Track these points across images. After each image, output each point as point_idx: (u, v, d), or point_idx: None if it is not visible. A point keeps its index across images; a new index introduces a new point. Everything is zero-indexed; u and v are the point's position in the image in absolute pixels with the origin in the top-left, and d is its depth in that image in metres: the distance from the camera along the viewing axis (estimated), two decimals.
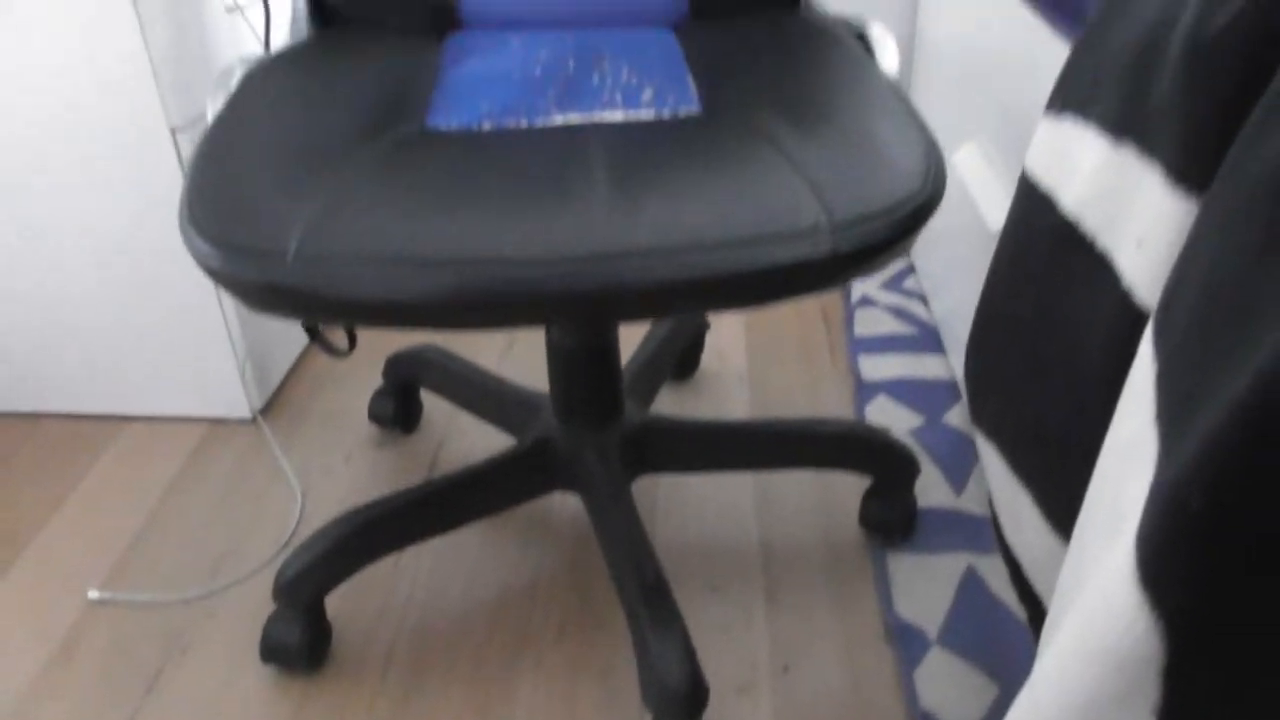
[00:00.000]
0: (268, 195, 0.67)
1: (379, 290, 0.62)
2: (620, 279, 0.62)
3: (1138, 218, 0.54)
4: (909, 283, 1.58)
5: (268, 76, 0.84)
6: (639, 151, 0.74)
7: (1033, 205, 0.64)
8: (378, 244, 0.63)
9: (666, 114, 0.82)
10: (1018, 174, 1.08)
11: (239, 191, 0.68)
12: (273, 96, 0.81)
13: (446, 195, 0.68)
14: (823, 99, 0.79)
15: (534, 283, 0.62)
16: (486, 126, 0.81)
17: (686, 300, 0.64)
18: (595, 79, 0.90)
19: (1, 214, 1.20)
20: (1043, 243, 0.63)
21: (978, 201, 1.16)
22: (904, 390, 1.34)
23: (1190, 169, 0.51)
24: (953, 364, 1.37)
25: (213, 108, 0.80)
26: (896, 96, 0.78)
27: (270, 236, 0.63)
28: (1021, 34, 1.03)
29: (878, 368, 1.39)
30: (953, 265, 1.34)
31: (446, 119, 0.82)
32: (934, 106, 1.48)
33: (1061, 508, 0.63)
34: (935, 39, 1.47)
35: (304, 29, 1.01)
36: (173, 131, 1.13)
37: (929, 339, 1.44)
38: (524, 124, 0.81)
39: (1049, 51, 0.95)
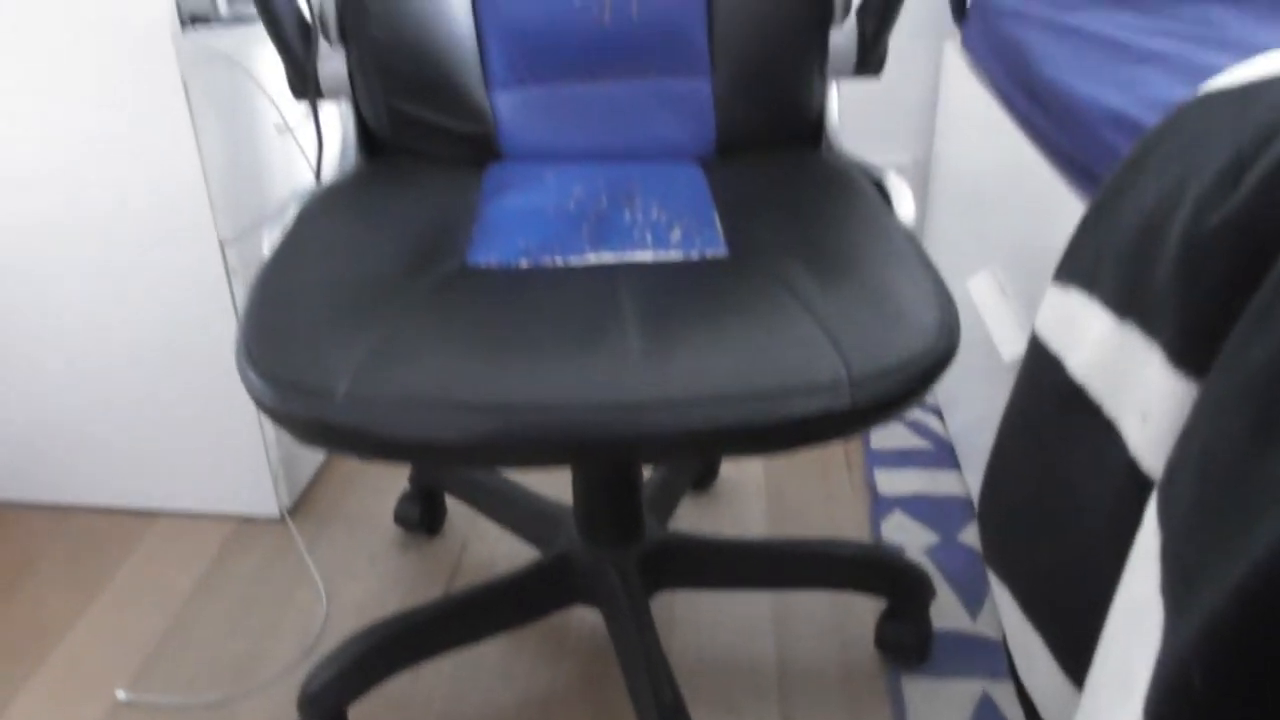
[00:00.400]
0: (319, 336, 0.71)
1: (421, 433, 0.65)
2: (649, 429, 0.65)
3: (1142, 392, 0.57)
4: (925, 397, 1.61)
5: (320, 214, 0.89)
6: (667, 296, 0.78)
7: (1042, 365, 0.68)
8: (420, 387, 0.67)
9: (694, 256, 0.86)
10: (1028, 304, 1.12)
11: (292, 331, 0.72)
12: (324, 234, 0.86)
13: (486, 338, 0.72)
14: (843, 249, 0.83)
15: (567, 430, 0.65)
16: (524, 264, 0.85)
17: (710, 448, 0.67)
18: (626, 216, 0.94)
19: (43, 307, 1.25)
20: (1051, 402, 0.66)
21: (990, 328, 1.20)
22: (920, 507, 1.37)
23: (1190, 353, 0.54)
24: (967, 480, 1.39)
25: (269, 242, 0.85)
26: (913, 248, 0.82)
27: (321, 377, 0.67)
28: (1031, 172, 1.08)
29: (894, 482, 1.42)
30: (967, 383, 1.37)
31: (486, 256, 0.86)
32: (949, 233, 1.53)
33: (1073, 655, 0.65)
34: (950, 168, 1.52)
35: (352, 158, 1.06)
36: (221, 244, 1.19)
37: (944, 454, 1.47)
38: (559, 262, 0.86)
39: (1056, 193, 0.99)
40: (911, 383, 0.69)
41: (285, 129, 1.30)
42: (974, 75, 1.36)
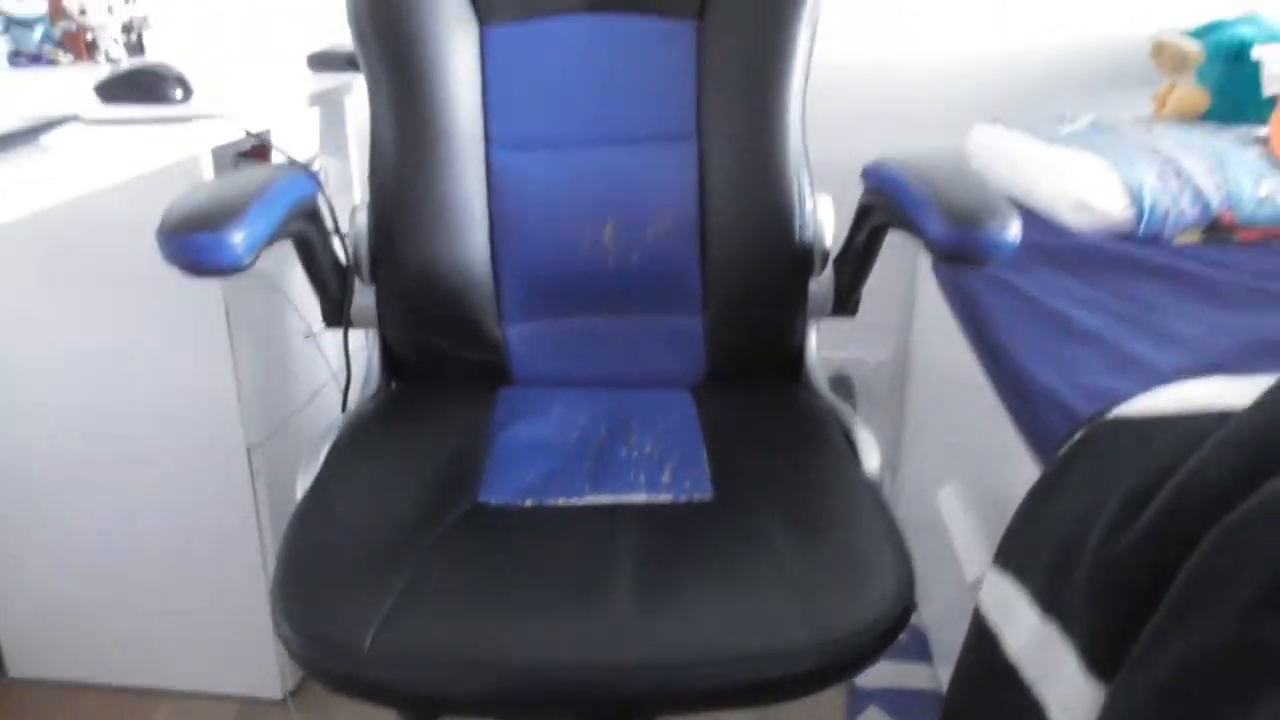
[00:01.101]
0: (345, 590, 0.81)
1: (436, 689, 0.75)
2: (638, 688, 0.74)
3: (1061, 687, 0.66)
4: None
5: (347, 455, 1.00)
6: (658, 549, 0.87)
7: (983, 639, 0.77)
8: (435, 645, 0.76)
9: (683, 499, 0.96)
10: (990, 525, 1.21)
11: (321, 584, 0.82)
12: (350, 477, 0.96)
13: (494, 592, 0.82)
14: (816, 505, 0.93)
15: (566, 688, 0.75)
16: (529, 504, 0.95)
17: (693, 705, 0.76)
18: (623, 452, 1.05)
19: (72, 494, 1.33)
20: (991, 673, 0.75)
21: (955, 542, 1.29)
22: (893, 701, 1.44)
23: (1100, 660, 0.64)
24: (939, 674, 1.46)
25: (301, 485, 0.95)
26: (877, 505, 0.92)
27: (347, 633, 0.76)
28: (989, 410, 1.18)
29: (869, 677, 1.49)
30: (937, 583, 1.45)
31: (497, 494, 0.96)
32: (924, 433, 1.63)
33: None
34: (924, 370, 1.64)
35: (376, 382, 1.17)
36: (248, 449, 1.29)
37: (918, 647, 1.54)
38: (562, 502, 0.96)
39: (1009, 437, 1.08)
40: (872, 645, 0.78)
41: (310, 335, 1.42)
42: (942, 298, 1.48)
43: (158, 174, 0.93)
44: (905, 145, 1.67)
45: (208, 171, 1.04)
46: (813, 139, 1.19)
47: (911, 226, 0.93)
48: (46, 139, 0.85)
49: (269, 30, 1.69)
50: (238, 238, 0.81)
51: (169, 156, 0.93)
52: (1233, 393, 0.71)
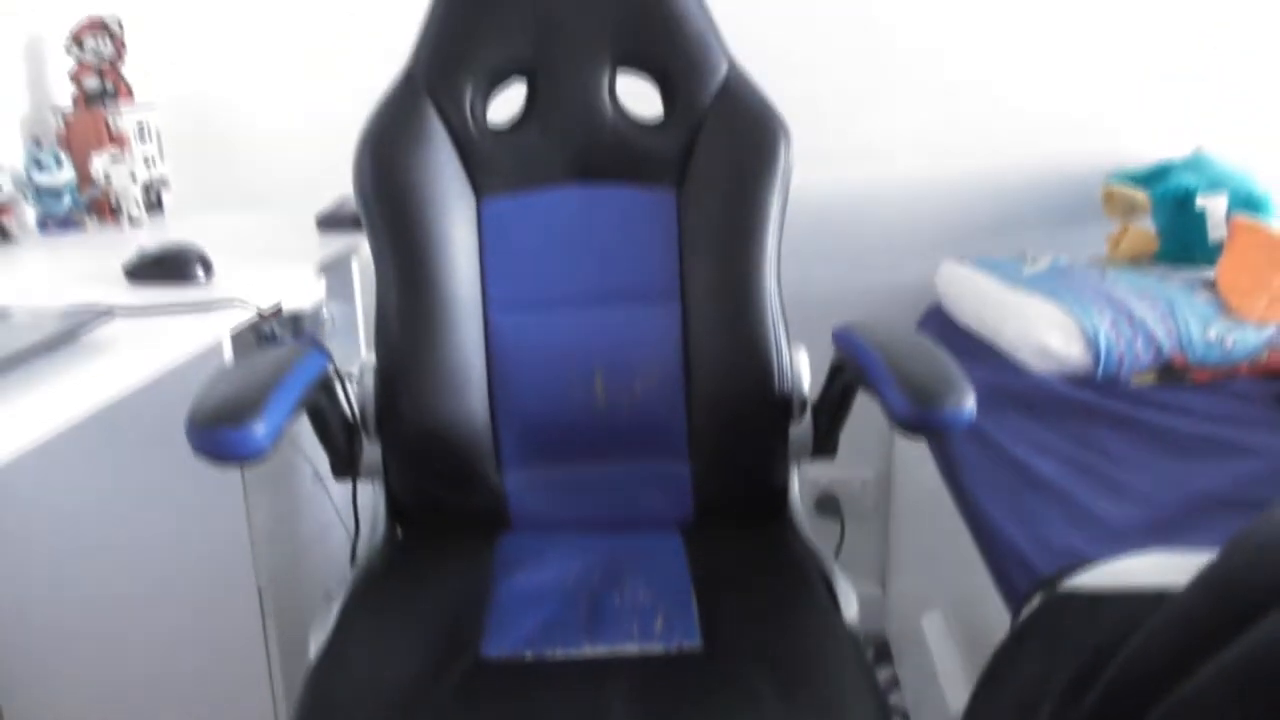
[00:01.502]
0: None
1: None
2: None
3: None
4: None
5: (356, 615, 1.06)
6: (650, 702, 0.94)
7: None
8: None
9: (674, 649, 1.02)
10: (972, 656, 1.27)
11: None
12: (360, 635, 1.03)
13: None
14: (799, 656, 0.99)
15: None
16: (529, 656, 1.01)
17: None
18: (617, 599, 1.11)
19: (80, 629, 1.38)
20: None
21: (939, 671, 1.35)
22: None
23: None
24: None
25: (314, 644, 1.01)
26: (856, 656, 0.99)
27: None
28: (966, 545, 1.25)
29: None
30: (924, 706, 1.51)
31: (498, 647, 1.02)
32: (909, 556, 1.70)
33: None
34: (908, 492, 1.71)
35: (382, 532, 1.24)
36: (259, 590, 1.35)
37: None
38: (560, 654, 1.02)
39: (981, 574, 1.15)
40: None
41: (318, 478, 1.49)
42: None
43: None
44: (876, 277, 1.78)
45: (228, 353, 1.13)
46: (790, 267, 1.28)
47: (876, 395, 1.01)
48: (87, 336, 0.94)
49: (278, 189, 1.80)
50: (260, 430, 0.89)
51: (195, 343, 1.01)
52: (1170, 570, 0.78)
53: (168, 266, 1.16)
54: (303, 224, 1.54)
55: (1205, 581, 0.72)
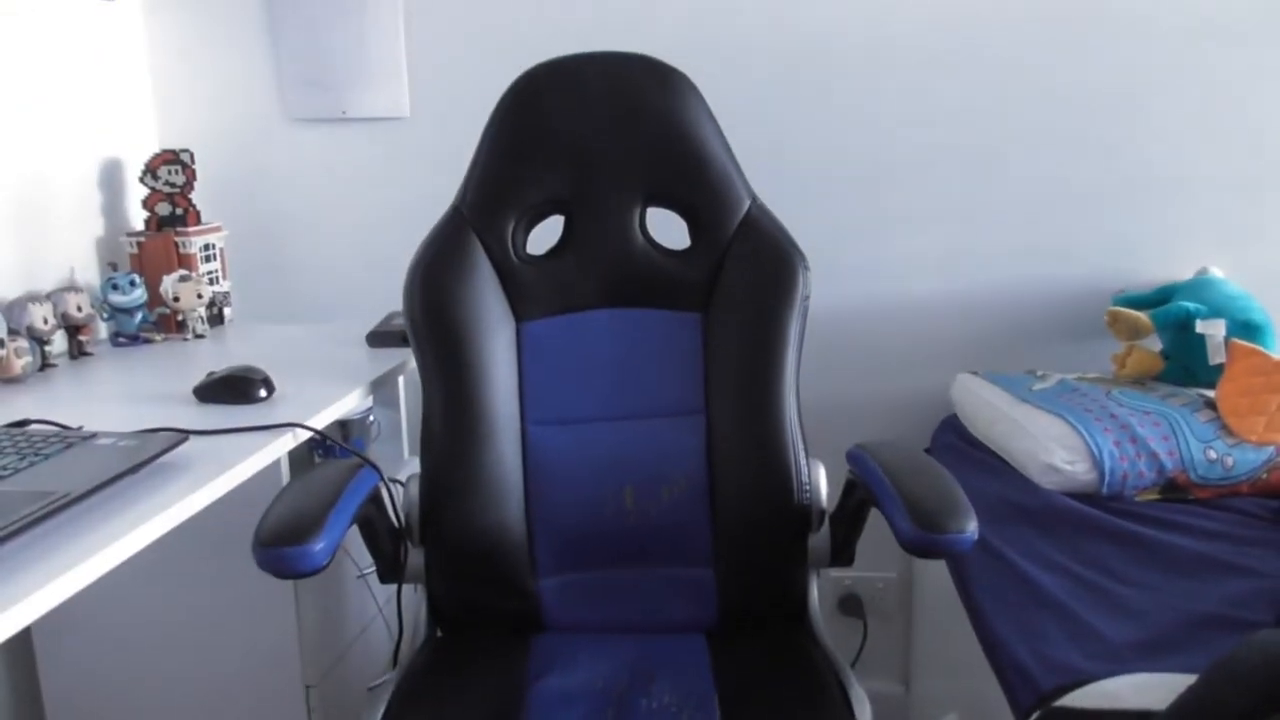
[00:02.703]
0: None
1: None
2: None
3: None
4: None
5: (399, 713, 1.13)
6: None
7: None
8: None
9: None
10: None
11: None
12: None
13: None
14: None
15: None
16: None
17: None
18: (644, 702, 1.17)
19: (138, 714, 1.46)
20: None
21: None
22: None
23: None
24: None
25: None
26: None
27: None
28: (978, 660, 1.30)
29: None
30: None
31: None
32: (929, 661, 1.74)
33: None
34: (930, 593, 1.76)
35: (423, 634, 1.32)
36: (306, 688, 1.42)
37: None
38: None
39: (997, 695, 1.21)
40: None
41: (360, 575, 1.57)
42: None
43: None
44: (894, 388, 1.86)
45: (285, 473, 1.23)
46: (811, 379, 1.35)
47: (885, 515, 1.08)
48: (167, 458, 1.04)
49: (331, 303, 1.92)
50: (319, 548, 0.98)
51: (258, 463, 1.11)
52: (1159, 691, 0.85)
53: (234, 388, 1.26)
54: (353, 337, 1.65)
55: (1183, 705, 0.78)
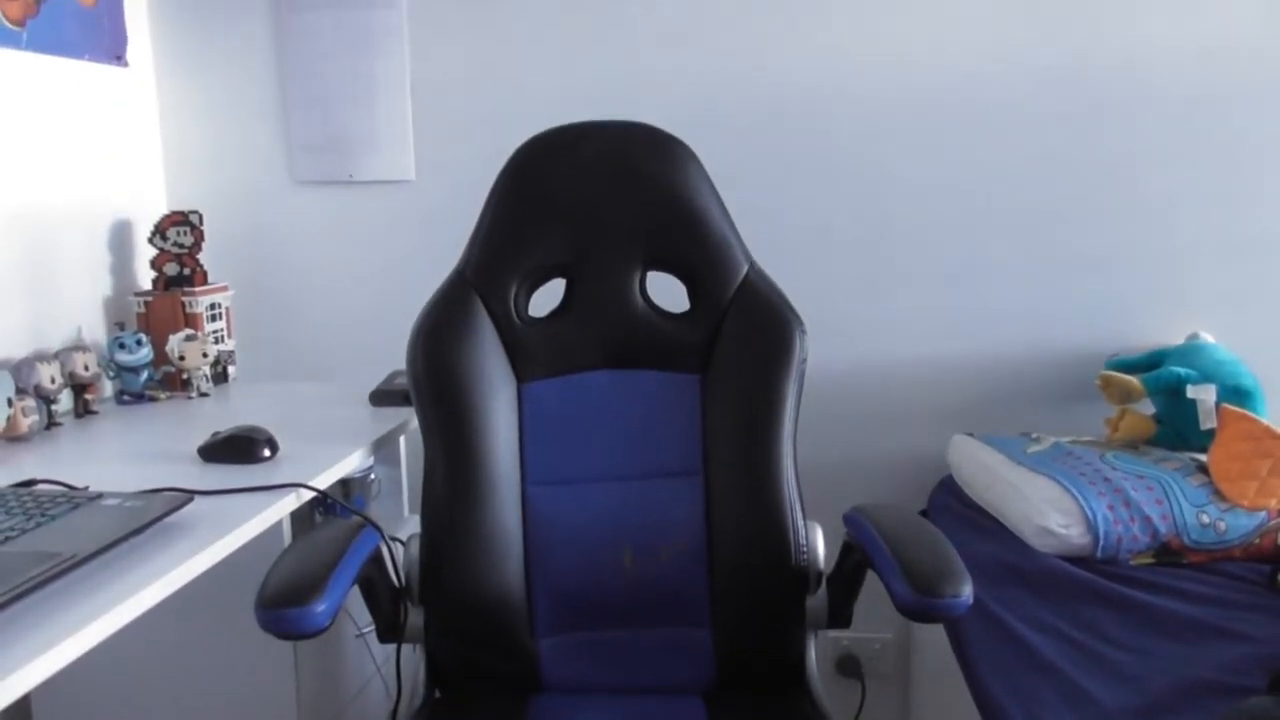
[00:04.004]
0: None
1: None
2: None
3: None
4: None
5: None
6: None
7: None
8: None
9: None
10: None
11: None
12: None
13: None
14: None
15: None
16: None
17: None
18: None
19: None
20: None
21: None
22: None
23: None
24: None
25: None
26: None
27: None
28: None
29: None
30: None
31: None
32: (928, 713, 1.74)
33: None
34: (927, 650, 1.76)
35: (421, 694, 1.32)
36: None
37: None
38: None
39: None
40: None
41: (360, 634, 1.57)
42: None
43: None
44: (891, 448, 1.87)
45: (288, 534, 1.24)
46: (808, 440, 1.37)
47: (881, 579, 1.09)
48: (171, 518, 1.05)
49: (334, 362, 1.94)
50: (321, 609, 0.99)
51: (261, 524, 1.12)
52: None
53: (238, 448, 1.28)
54: (356, 396, 1.66)
55: None
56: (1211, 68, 1.72)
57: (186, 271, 1.73)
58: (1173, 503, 1.36)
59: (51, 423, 1.49)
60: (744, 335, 1.35)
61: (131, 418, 1.57)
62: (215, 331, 1.77)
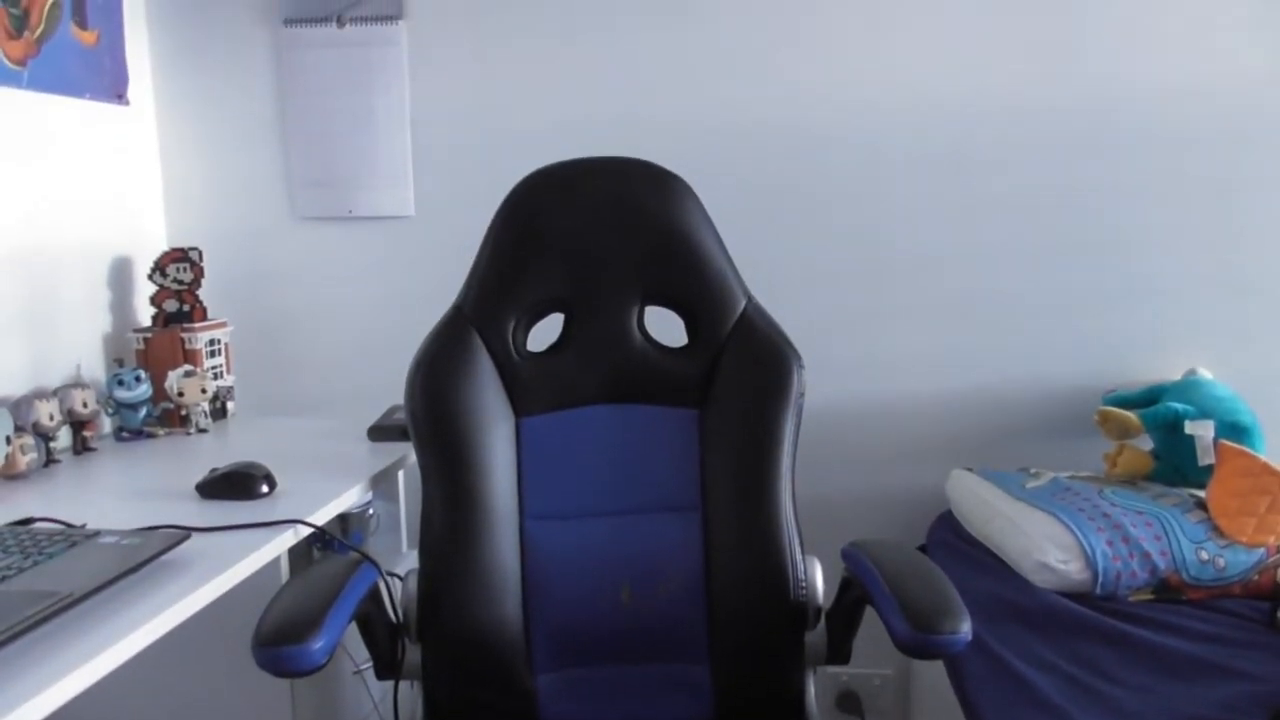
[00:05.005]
0: None
1: None
2: None
3: None
4: None
5: None
6: None
7: None
8: None
9: None
10: None
11: None
12: None
13: None
14: None
15: None
16: None
17: None
18: None
19: None
20: None
21: None
22: None
23: None
24: None
25: None
26: None
27: None
28: None
29: None
30: None
31: None
32: None
33: None
34: (926, 696, 1.75)
35: None
36: None
37: None
38: None
39: None
40: None
41: (357, 670, 1.56)
42: None
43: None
44: (890, 483, 1.87)
45: (285, 571, 1.24)
46: (807, 476, 1.36)
47: (880, 615, 1.09)
48: (169, 555, 1.05)
49: (333, 397, 1.95)
50: (318, 646, 0.99)
51: (259, 561, 1.12)
52: None
53: (236, 484, 1.28)
54: (355, 431, 1.66)
55: None
56: (1210, 105, 1.74)
57: (186, 308, 1.74)
58: (1171, 539, 1.36)
59: (50, 460, 1.49)
60: (742, 370, 1.35)
61: (130, 454, 1.57)
62: (214, 367, 1.77)
